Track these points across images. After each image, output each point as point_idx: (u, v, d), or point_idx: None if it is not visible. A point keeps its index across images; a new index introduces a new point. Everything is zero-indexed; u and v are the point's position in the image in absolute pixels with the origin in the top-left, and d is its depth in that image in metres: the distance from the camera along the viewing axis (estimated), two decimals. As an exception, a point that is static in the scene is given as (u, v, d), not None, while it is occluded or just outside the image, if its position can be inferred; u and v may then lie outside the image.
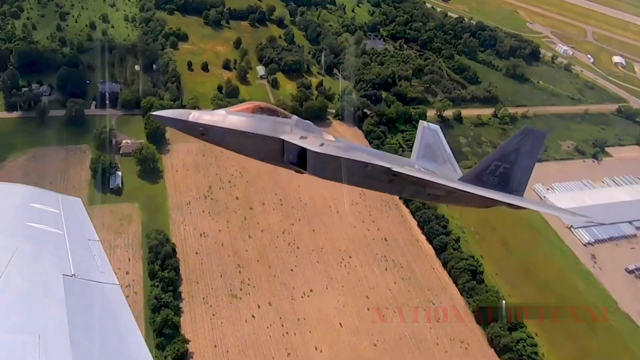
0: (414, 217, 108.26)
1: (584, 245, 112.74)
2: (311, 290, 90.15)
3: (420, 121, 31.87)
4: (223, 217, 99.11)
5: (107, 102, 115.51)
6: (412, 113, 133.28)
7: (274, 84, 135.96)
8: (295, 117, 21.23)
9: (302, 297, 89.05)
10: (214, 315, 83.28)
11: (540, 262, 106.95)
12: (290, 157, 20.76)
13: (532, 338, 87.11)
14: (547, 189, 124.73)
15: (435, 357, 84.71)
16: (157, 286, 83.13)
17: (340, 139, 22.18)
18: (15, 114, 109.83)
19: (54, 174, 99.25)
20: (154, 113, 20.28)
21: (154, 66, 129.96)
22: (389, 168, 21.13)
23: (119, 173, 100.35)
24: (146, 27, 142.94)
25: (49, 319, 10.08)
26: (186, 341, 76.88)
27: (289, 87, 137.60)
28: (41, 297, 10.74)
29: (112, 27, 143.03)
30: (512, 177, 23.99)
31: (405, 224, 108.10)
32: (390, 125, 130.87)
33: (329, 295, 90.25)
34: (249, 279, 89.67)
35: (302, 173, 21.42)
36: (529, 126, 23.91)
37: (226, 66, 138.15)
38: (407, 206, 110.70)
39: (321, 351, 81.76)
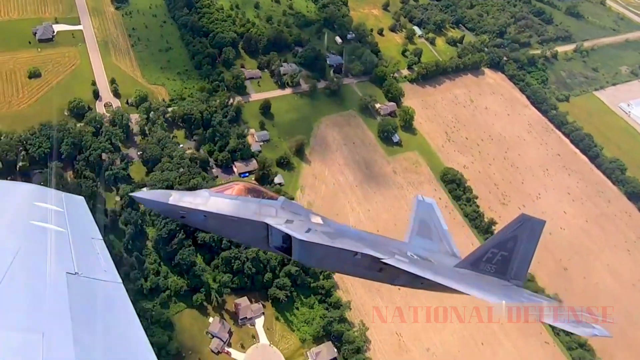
0: (568, 137, 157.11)
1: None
2: (539, 194, 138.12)
3: (415, 196, 32.23)
4: (468, 152, 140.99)
5: (342, 73, 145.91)
6: (535, 57, 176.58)
7: (432, 42, 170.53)
8: (282, 198, 20.99)
9: (534, 201, 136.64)
10: (499, 217, 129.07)
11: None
12: (275, 242, 20.53)
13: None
14: (629, 105, 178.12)
15: (620, 226, 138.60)
16: (466, 205, 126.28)
17: (328, 222, 21.74)
18: (288, 91, 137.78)
19: (350, 136, 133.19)
20: (133, 195, 20.43)
21: (348, 36, 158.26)
22: (378, 258, 20.79)
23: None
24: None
25: (53, 317, 10.23)
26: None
27: (439, 43, 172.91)
28: (45, 295, 10.90)
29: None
30: (511, 264, 23.88)
31: (563, 142, 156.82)
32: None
33: (550, 196, 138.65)
34: (504, 192, 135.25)
35: (289, 258, 20.91)
36: (526, 214, 23.55)
37: (392, 29, 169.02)
38: (560, 130, 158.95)
39: (563, 229, 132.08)
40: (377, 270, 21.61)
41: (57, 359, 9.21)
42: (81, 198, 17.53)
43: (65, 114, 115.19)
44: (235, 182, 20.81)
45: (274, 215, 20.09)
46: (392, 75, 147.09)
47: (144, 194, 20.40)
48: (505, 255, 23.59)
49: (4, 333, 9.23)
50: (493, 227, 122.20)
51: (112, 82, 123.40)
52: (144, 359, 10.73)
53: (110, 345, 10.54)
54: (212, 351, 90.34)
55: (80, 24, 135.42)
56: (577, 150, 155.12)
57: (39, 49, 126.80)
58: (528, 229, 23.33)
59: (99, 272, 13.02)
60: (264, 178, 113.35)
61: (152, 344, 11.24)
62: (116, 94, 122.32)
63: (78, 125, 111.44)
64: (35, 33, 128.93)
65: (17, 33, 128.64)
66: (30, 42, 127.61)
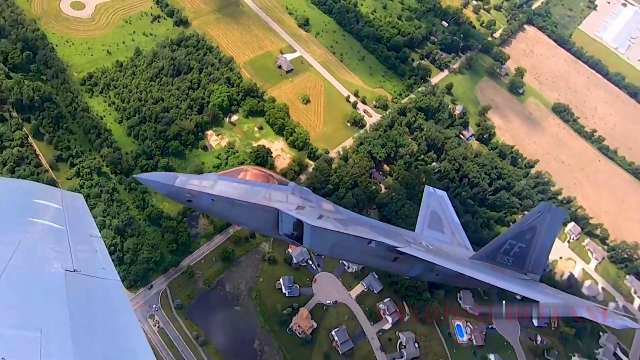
0: (587, 64, 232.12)
1: None
2: (596, 107, 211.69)
3: (426, 186, 31.53)
4: (553, 89, 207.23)
5: (467, 50, 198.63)
6: (542, 7, 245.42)
7: (488, 11, 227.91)
8: (292, 183, 20.45)
9: (595, 111, 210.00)
10: (589, 127, 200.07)
11: None
12: (285, 228, 19.88)
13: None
14: (598, 32, 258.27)
15: (637, 115, 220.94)
16: (574, 123, 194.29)
17: (340, 209, 21.32)
18: (446, 72, 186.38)
19: (496, 95, 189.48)
20: (137, 176, 19.66)
21: (447, 20, 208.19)
22: (394, 246, 20.20)
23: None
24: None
25: (51, 314, 10.26)
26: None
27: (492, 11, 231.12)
28: (43, 293, 10.91)
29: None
30: (528, 257, 23.20)
31: (586, 68, 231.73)
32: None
33: (600, 106, 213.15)
34: (582, 110, 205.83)
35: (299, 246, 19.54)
36: (546, 203, 23.40)
37: (463, 6, 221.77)
38: (581, 60, 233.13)
39: (616, 125, 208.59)
40: (391, 259, 21.78)
41: (55, 356, 9.19)
42: (80, 195, 17.62)
43: (348, 125, 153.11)
44: (244, 167, 20.89)
45: (284, 201, 20.13)
46: (497, 45, 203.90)
47: (148, 175, 19.71)
48: (523, 247, 23.79)
49: (2, 330, 9.17)
50: (595, 134, 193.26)
51: (356, 93, 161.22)
52: (142, 357, 10.91)
53: (108, 343, 10.73)
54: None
55: (296, 51, 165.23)
56: (595, 72, 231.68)
57: (290, 79, 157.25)
58: (548, 219, 23.43)
59: (97, 269, 13.11)
60: (484, 138, 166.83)
61: None
62: (363, 102, 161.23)
63: (361, 131, 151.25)
64: (280, 66, 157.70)
65: (265, 68, 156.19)
66: (281, 75, 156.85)
